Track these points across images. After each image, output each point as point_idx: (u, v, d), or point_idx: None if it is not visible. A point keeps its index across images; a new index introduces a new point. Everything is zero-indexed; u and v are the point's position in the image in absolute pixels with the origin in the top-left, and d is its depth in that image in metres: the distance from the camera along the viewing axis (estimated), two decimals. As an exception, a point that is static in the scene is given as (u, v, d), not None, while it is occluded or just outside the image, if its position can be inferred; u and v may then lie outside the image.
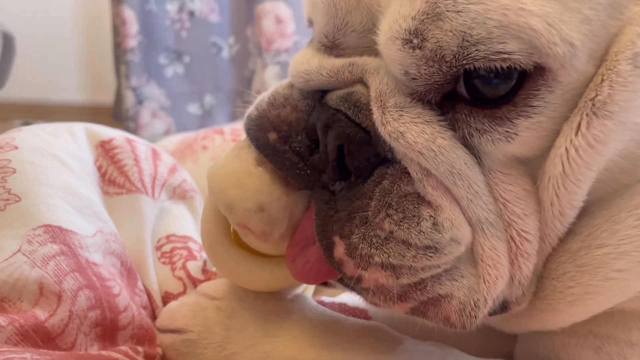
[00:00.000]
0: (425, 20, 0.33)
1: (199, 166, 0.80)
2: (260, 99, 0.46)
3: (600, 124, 0.32)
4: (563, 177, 0.34)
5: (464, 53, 0.32)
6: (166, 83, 2.58)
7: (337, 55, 0.41)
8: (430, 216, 0.36)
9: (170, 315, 0.51)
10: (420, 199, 0.36)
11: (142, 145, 0.67)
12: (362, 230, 0.37)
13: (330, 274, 0.41)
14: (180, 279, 0.58)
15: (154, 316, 0.55)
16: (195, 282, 0.58)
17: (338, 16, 0.39)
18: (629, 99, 0.32)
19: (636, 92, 0.32)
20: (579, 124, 0.33)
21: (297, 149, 0.41)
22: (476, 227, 0.36)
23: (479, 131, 0.34)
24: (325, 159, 0.40)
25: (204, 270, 0.59)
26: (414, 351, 0.44)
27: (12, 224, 0.48)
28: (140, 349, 0.47)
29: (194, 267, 0.59)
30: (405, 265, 0.36)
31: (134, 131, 2.54)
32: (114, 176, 0.62)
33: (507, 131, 0.34)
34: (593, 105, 0.32)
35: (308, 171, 0.41)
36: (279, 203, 0.43)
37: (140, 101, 2.50)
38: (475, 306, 0.37)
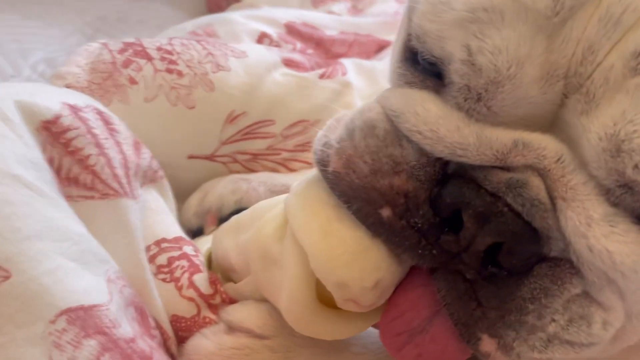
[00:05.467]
0: None
1: (131, 108, 0.63)
2: (342, 142, 0.37)
3: None
4: None
5: None
6: None
7: (489, 122, 0.34)
8: (601, 317, 0.35)
9: (213, 363, 0.44)
10: (590, 300, 0.34)
11: (90, 113, 0.50)
12: (520, 334, 0.35)
13: None
14: (191, 299, 0.49)
15: (168, 351, 0.47)
16: (207, 300, 0.49)
17: (510, 74, 0.31)
18: None
19: None
20: None
21: (419, 225, 0.35)
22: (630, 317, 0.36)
23: None
24: (471, 249, 0.35)
25: (211, 282, 0.51)
26: None
27: (16, 319, 0.34)
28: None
29: (201, 281, 0.50)
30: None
31: None
32: (74, 172, 0.46)
33: None
34: None
35: (434, 251, 0.36)
36: (393, 277, 0.38)
37: None
38: None
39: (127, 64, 0.65)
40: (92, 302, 0.37)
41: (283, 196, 0.52)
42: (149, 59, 0.66)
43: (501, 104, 0.33)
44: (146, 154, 0.53)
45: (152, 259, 0.49)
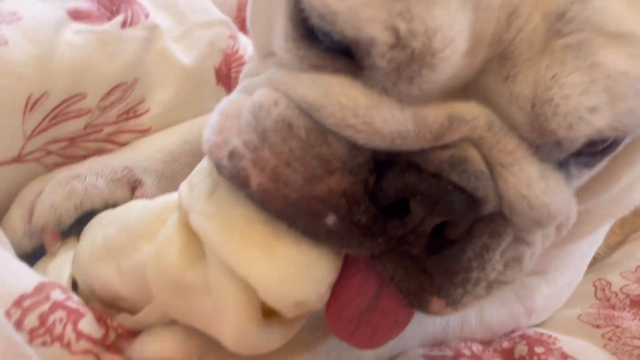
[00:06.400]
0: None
1: None
2: (257, 150, 0.32)
3: None
4: None
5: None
6: None
7: (420, 102, 0.31)
8: (529, 253, 0.37)
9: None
10: (519, 241, 0.36)
11: None
12: (466, 288, 0.36)
13: (397, 333, 0.39)
14: (86, 352, 0.40)
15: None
16: (103, 344, 0.42)
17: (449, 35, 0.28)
18: None
19: None
20: None
21: (362, 221, 0.33)
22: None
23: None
24: (418, 230, 0.34)
25: (99, 319, 0.42)
26: None
27: None
28: None
29: (88, 325, 0.41)
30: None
31: None
32: None
33: None
34: None
35: (379, 239, 0.34)
36: (338, 272, 0.36)
37: None
38: None
39: None
40: None
41: (158, 202, 0.44)
42: None
43: (434, 84, 0.30)
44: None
45: (18, 326, 0.39)
